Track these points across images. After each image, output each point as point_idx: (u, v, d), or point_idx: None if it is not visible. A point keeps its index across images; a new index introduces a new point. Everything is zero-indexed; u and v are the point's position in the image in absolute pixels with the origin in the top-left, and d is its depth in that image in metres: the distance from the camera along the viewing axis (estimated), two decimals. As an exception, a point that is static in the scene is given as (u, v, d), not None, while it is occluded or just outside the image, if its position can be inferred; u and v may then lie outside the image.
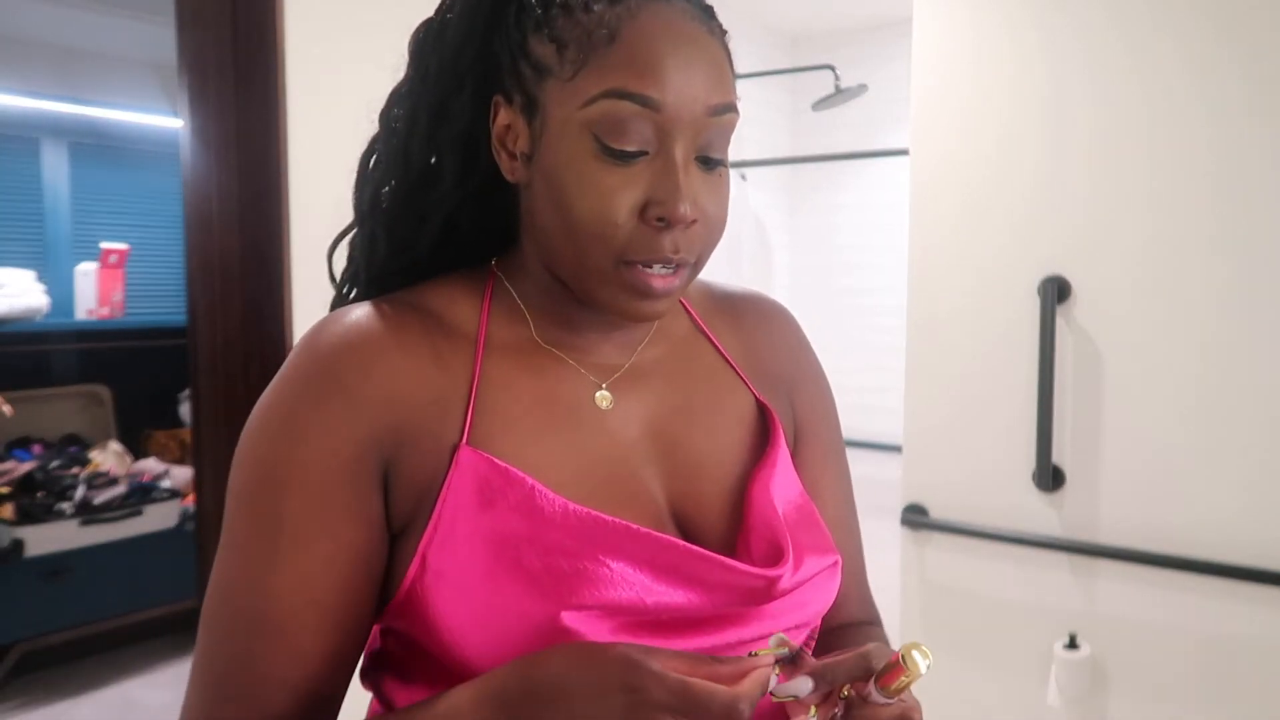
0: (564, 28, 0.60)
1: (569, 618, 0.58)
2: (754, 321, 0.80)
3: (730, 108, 0.62)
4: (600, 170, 0.60)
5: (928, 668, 0.54)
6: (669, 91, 0.59)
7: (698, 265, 0.65)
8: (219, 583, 0.61)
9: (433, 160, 0.68)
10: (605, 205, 0.59)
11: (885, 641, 0.78)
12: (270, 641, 0.59)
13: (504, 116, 0.64)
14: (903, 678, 0.55)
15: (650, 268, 0.61)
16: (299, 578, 0.59)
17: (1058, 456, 1.75)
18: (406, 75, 0.69)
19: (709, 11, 0.64)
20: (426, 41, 0.67)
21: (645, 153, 0.60)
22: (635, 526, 0.62)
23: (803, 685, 0.56)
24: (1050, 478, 1.75)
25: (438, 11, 0.68)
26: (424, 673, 0.64)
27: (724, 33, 0.65)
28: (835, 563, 0.70)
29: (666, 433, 0.70)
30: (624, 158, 0.59)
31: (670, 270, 0.62)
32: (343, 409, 0.60)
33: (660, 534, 0.63)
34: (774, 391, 0.77)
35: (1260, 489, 1.59)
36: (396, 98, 0.70)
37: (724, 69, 0.63)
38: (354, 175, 0.72)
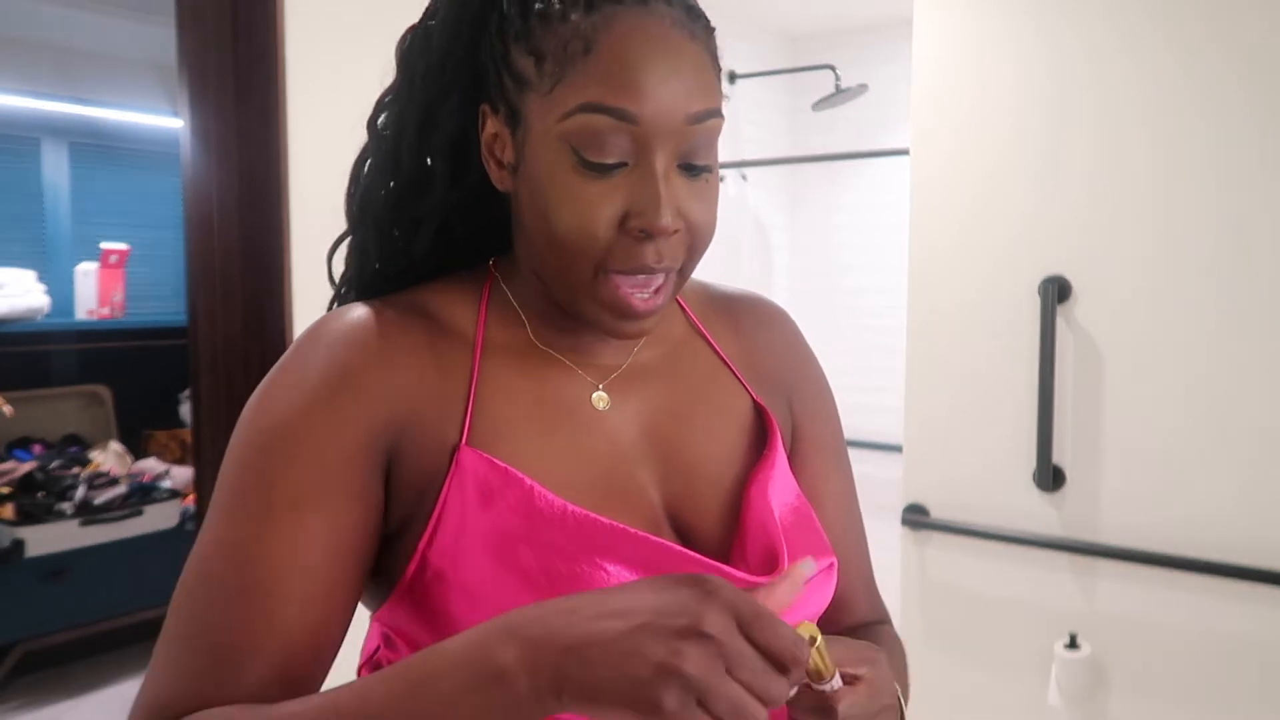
0: (542, 39, 0.60)
1: None
2: (752, 323, 0.80)
3: (712, 113, 0.61)
4: (580, 183, 0.59)
5: (811, 637, 0.53)
6: (646, 103, 0.58)
7: (684, 273, 0.64)
8: (201, 549, 0.59)
9: (424, 165, 0.68)
10: (585, 217, 0.59)
11: (896, 640, 0.77)
12: (250, 607, 0.56)
13: (491, 126, 0.64)
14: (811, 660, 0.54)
15: (634, 278, 0.61)
16: (288, 545, 0.57)
17: (1058, 456, 1.75)
18: (394, 82, 0.69)
19: (692, 12, 0.62)
20: (413, 48, 0.67)
21: (625, 164, 0.59)
22: (633, 530, 0.62)
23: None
24: (1050, 477, 1.75)
25: (422, 18, 0.68)
26: None
27: (710, 32, 0.64)
28: (831, 565, 0.70)
29: (663, 435, 0.70)
30: (603, 170, 0.59)
31: (651, 293, 0.62)
32: (349, 398, 0.60)
33: (658, 539, 0.63)
34: (772, 394, 0.77)
35: (1260, 489, 1.59)
36: (383, 104, 0.70)
37: (705, 74, 0.61)
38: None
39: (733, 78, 2.88)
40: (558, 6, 0.59)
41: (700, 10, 0.64)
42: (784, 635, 0.48)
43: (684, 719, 0.46)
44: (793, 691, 0.50)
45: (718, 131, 0.62)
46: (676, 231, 0.61)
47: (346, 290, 0.73)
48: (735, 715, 0.46)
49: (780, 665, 0.48)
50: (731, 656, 0.46)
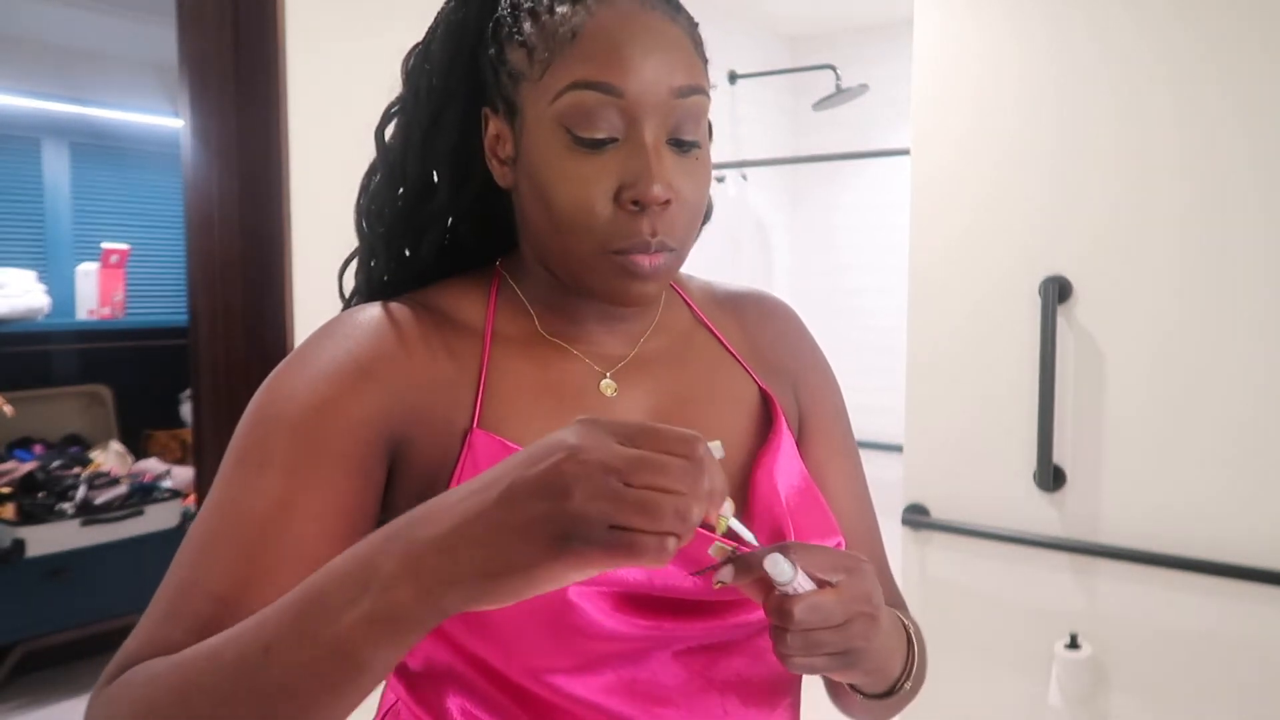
0: (532, 33, 0.63)
1: (575, 592, 0.60)
2: (756, 316, 0.81)
3: (695, 89, 0.63)
4: (574, 161, 0.62)
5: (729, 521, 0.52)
6: (630, 78, 0.61)
7: (682, 250, 0.66)
8: (199, 514, 0.60)
9: (429, 174, 0.70)
10: (582, 193, 0.61)
11: (914, 624, 0.77)
12: (229, 558, 0.56)
13: (493, 126, 0.67)
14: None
15: (633, 253, 0.62)
16: (278, 507, 0.58)
17: (1059, 456, 1.75)
18: (399, 95, 0.72)
19: (673, 4, 0.66)
20: (416, 64, 0.71)
21: (615, 139, 0.62)
22: None
23: (725, 573, 0.56)
24: (1051, 477, 1.75)
25: (425, 36, 0.71)
26: (431, 640, 0.64)
27: (692, 23, 0.67)
28: (838, 544, 0.71)
29: (671, 420, 0.71)
30: (595, 146, 0.61)
31: (653, 253, 0.63)
32: (359, 383, 0.62)
33: None
34: (778, 382, 0.78)
35: (1261, 489, 1.59)
36: (389, 116, 0.72)
37: (688, 53, 0.64)
38: (354, 174, 0.74)
39: (733, 78, 2.88)
40: (545, 2, 0.63)
41: (681, 4, 0.67)
42: (672, 433, 0.46)
43: (594, 547, 0.44)
44: (714, 506, 0.47)
45: (704, 109, 0.65)
46: (668, 202, 0.62)
47: (357, 301, 0.74)
48: (650, 516, 0.44)
49: (694, 465, 0.45)
50: (621, 466, 0.44)
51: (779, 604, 0.56)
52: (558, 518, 0.44)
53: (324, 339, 0.65)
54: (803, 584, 0.56)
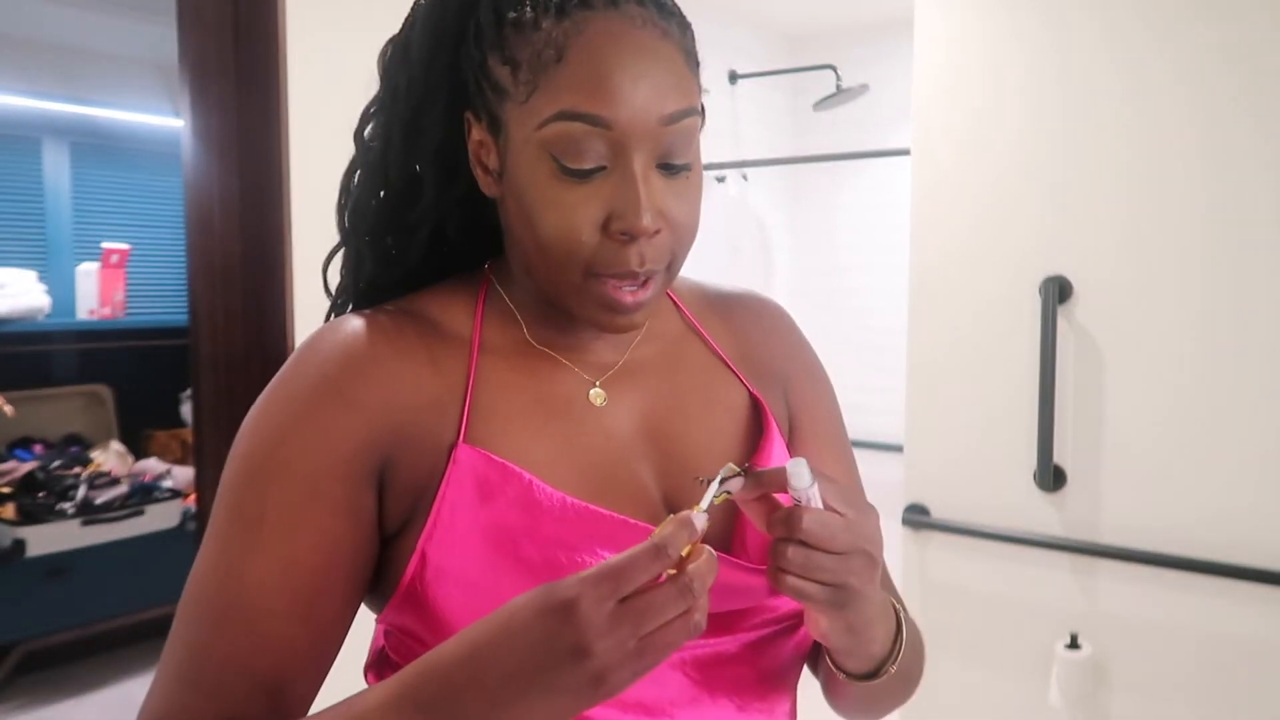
0: (516, 48, 0.60)
1: None
2: (746, 318, 0.80)
3: (688, 112, 0.61)
4: (561, 188, 0.60)
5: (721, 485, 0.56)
6: (620, 108, 0.58)
7: (670, 271, 0.65)
8: (195, 571, 0.61)
9: (413, 174, 0.68)
10: (569, 223, 0.60)
11: (911, 623, 0.77)
12: (238, 626, 0.58)
13: (476, 133, 0.65)
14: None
15: (620, 280, 0.61)
16: (277, 564, 0.58)
17: (1059, 456, 1.75)
18: (378, 93, 0.69)
19: (664, 10, 0.62)
20: (394, 59, 0.68)
21: (603, 168, 0.60)
22: (631, 520, 0.63)
23: (734, 484, 0.58)
24: (1051, 477, 1.75)
25: (402, 29, 0.68)
26: (423, 650, 0.64)
27: (685, 28, 0.64)
28: None
29: (661, 428, 0.70)
30: (582, 175, 0.60)
31: (639, 285, 0.62)
32: (339, 412, 0.61)
33: (657, 529, 0.63)
34: (768, 385, 0.77)
35: (1261, 489, 1.59)
36: (368, 116, 0.70)
37: (680, 74, 0.61)
38: None
39: (733, 78, 2.88)
40: (530, 14, 0.60)
41: (674, 7, 0.64)
42: (640, 562, 0.49)
43: (633, 682, 0.49)
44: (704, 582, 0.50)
45: (695, 130, 0.63)
46: (658, 232, 0.61)
47: (344, 300, 0.73)
48: (672, 647, 0.49)
49: (680, 589, 0.49)
50: (627, 633, 0.48)
51: (788, 514, 0.56)
52: (602, 693, 0.49)
53: (304, 365, 0.63)
54: (815, 500, 0.57)
